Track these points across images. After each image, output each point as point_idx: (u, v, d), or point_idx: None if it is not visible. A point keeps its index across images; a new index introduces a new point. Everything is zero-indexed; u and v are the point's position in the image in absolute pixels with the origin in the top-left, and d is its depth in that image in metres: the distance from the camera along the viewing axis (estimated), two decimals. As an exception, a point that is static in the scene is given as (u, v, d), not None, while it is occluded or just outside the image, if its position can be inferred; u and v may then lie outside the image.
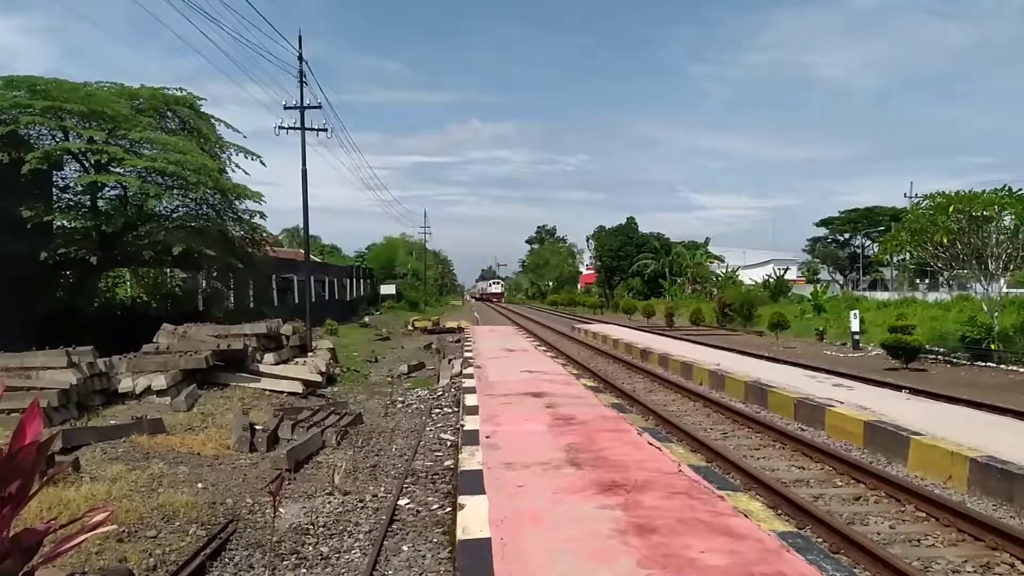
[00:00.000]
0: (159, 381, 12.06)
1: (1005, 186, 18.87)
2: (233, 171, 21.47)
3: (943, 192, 19.85)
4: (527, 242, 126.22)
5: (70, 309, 17.50)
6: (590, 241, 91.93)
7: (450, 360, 18.74)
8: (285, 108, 22.47)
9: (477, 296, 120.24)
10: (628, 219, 73.43)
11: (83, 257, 16.83)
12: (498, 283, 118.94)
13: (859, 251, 76.46)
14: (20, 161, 15.51)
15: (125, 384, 12.04)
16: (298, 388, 13.90)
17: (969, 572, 5.42)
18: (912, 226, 20.75)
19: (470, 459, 6.81)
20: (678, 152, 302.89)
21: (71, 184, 18.98)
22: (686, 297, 53.45)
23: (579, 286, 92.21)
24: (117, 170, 17.60)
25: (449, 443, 10.07)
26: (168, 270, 22.12)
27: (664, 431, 9.39)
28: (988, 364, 18.29)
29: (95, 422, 10.39)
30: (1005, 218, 18.70)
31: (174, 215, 20.13)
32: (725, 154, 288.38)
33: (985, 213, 18.66)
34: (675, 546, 4.47)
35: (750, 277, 51.19)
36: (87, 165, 17.99)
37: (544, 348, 22.25)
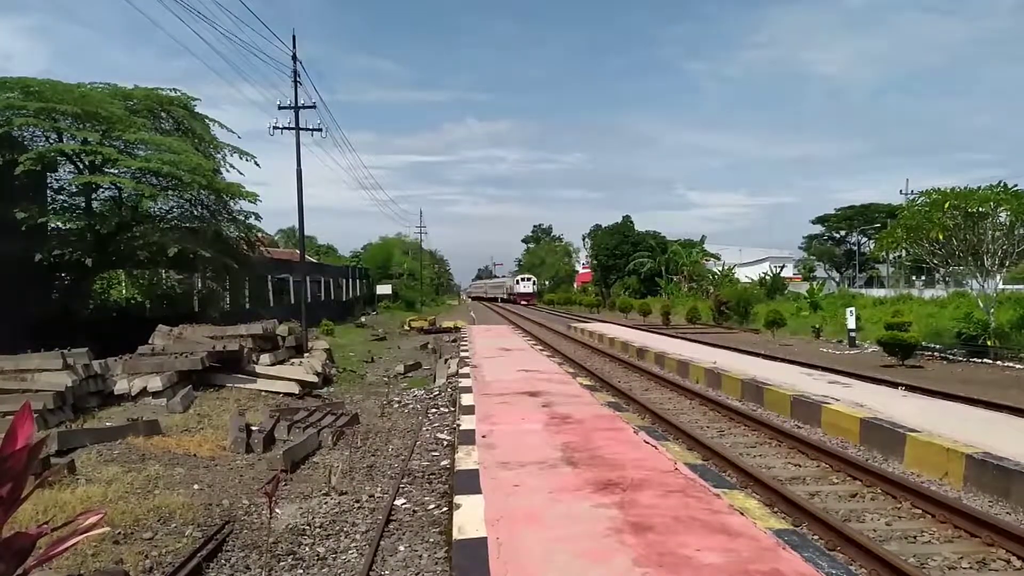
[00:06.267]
0: (155, 383, 12.03)
1: (1001, 182, 19.00)
2: (228, 171, 21.45)
3: (939, 189, 19.95)
4: (523, 241, 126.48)
5: (65, 311, 17.43)
6: (586, 240, 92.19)
7: (446, 360, 18.72)
8: (279, 108, 22.38)
9: (508, 295, 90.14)
10: (624, 217, 73.61)
11: (78, 258, 16.76)
12: (529, 280, 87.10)
13: (855, 248, 76.64)
14: (13, 163, 15.44)
15: (121, 386, 12.01)
16: (294, 389, 13.88)
17: (965, 568, 5.43)
18: (908, 223, 20.81)
19: (466, 459, 6.81)
20: (675, 150, 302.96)
21: (65, 185, 18.89)
22: (682, 295, 53.53)
23: (575, 285, 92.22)
24: (111, 171, 17.52)
25: (445, 443, 10.06)
26: (163, 271, 22.04)
27: (660, 429, 9.39)
28: (984, 360, 18.34)
29: (91, 424, 10.36)
30: (1000, 214, 18.79)
31: (169, 216, 20.08)
32: (722, 152, 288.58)
33: (981, 209, 18.74)
34: (671, 544, 4.46)
35: (746, 275, 51.29)
36: (81, 166, 17.91)
37: (540, 347, 22.26)
